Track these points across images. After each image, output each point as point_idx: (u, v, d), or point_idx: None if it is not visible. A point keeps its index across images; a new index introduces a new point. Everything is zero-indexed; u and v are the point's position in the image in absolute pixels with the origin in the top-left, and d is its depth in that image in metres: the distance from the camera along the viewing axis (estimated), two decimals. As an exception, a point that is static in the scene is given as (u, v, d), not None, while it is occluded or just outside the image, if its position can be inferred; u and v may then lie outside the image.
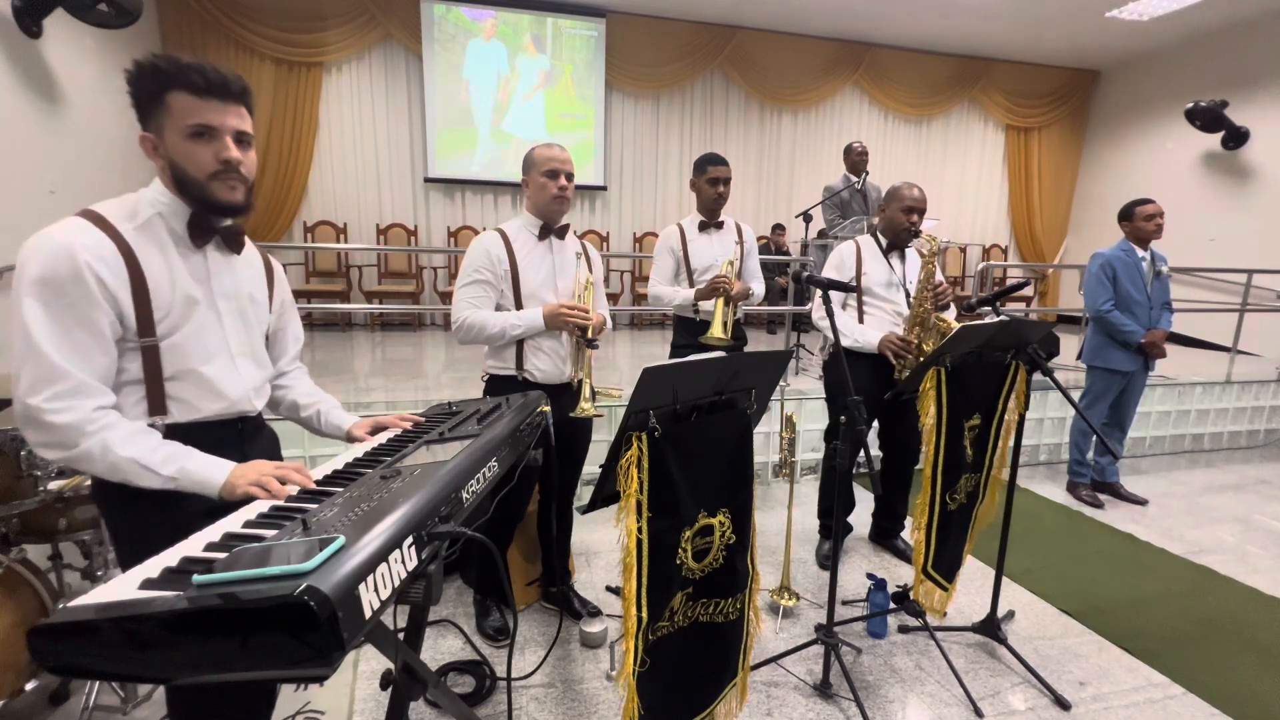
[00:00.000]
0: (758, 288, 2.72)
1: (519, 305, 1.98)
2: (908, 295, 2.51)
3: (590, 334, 1.96)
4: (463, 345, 2.06)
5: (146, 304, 1.08)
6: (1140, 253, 3.32)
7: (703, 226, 2.67)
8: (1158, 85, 7.38)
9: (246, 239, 1.28)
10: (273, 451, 1.37)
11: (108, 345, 1.05)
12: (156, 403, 1.12)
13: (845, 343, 2.48)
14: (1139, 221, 3.29)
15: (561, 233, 2.06)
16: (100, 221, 1.07)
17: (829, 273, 2.59)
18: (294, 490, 1.03)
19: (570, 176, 1.98)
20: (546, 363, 2.01)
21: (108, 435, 1.03)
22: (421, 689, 1.15)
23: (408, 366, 4.78)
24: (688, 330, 2.72)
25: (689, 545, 1.39)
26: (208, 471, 1.07)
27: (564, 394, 2.02)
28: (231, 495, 1.05)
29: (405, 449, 1.20)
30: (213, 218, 1.17)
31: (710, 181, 2.59)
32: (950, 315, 2.43)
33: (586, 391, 1.95)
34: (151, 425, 1.12)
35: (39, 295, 1.00)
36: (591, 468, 3.34)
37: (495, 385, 2.06)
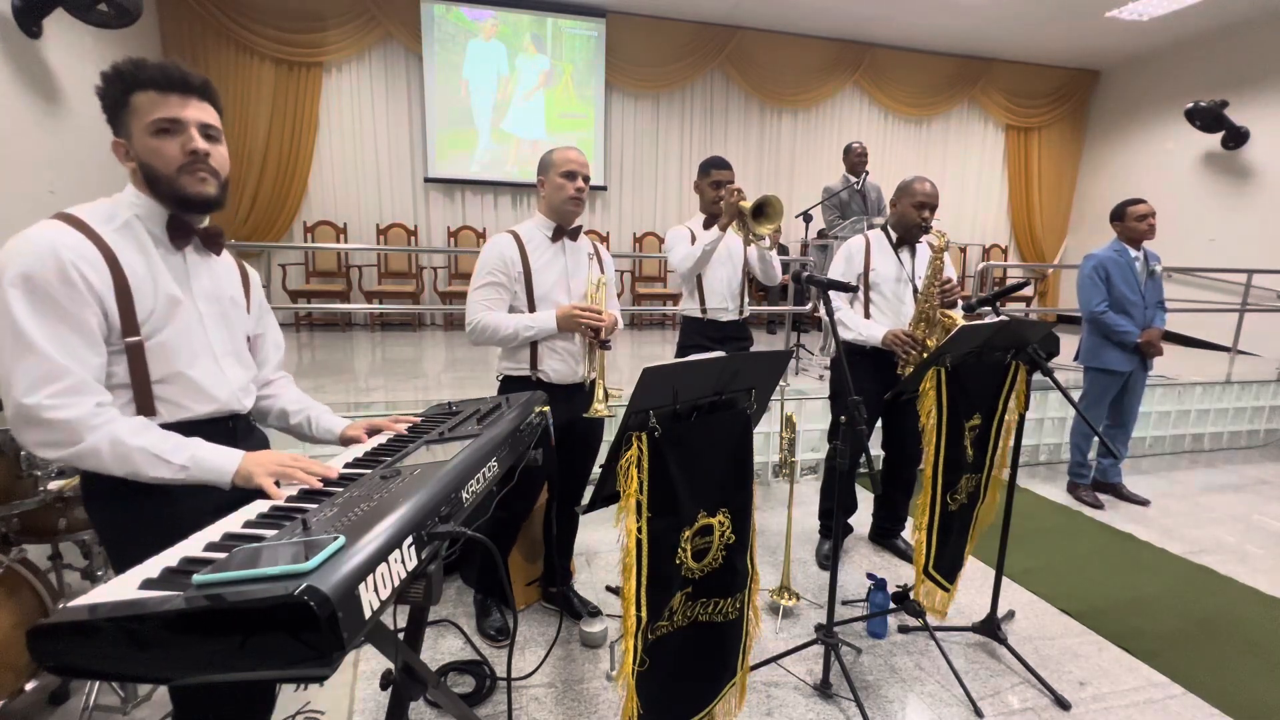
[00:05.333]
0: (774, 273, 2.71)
1: (531, 307, 1.99)
2: (916, 291, 2.50)
3: (602, 335, 1.97)
4: (475, 346, 2.07)
5: (130, 305, 1.08)
6: (1133, 253, 3.32)
7: (708, 225, 2.69)
8: (1158, 85, 7.37)
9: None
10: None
11: (98, 344, 1.04)
12: (145, 404, 1.11)
13: (849, 336, 2.48)
14: (1130, 222, 3.29)
15: (574, 234, 2.07)
16: (79, 224, 1.06)
17: (838, 266, 2.59)
18: (317, 483, 1.03)
19: (587, 179, 2.00)
20: (560, 363, 2.03)
21: (114, 428, 1.02)
22: (421, 689, 1.15)
23: (408, 366, 4.78)
24: (696, 330, 2.74)
25: (688, 545, 1.39)
26: (219, 459, 1.07)
27: (577, 394, 2.05)
28: (247, 483, 1.05)
29: (405, 449, 1.20)
30: (190, 216, 1.17)
31: (713, 184, 2.62)
32: (957, 312, 2.40)
33: (599, 393, 1.95)
34: None
35: (25, 294, 0.98)
36: (591, 467, 3.34)
37: (510, 386, 2.07)
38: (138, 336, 1.09)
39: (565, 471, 2.18)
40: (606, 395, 1.95)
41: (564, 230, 2.03)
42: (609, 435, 3.24)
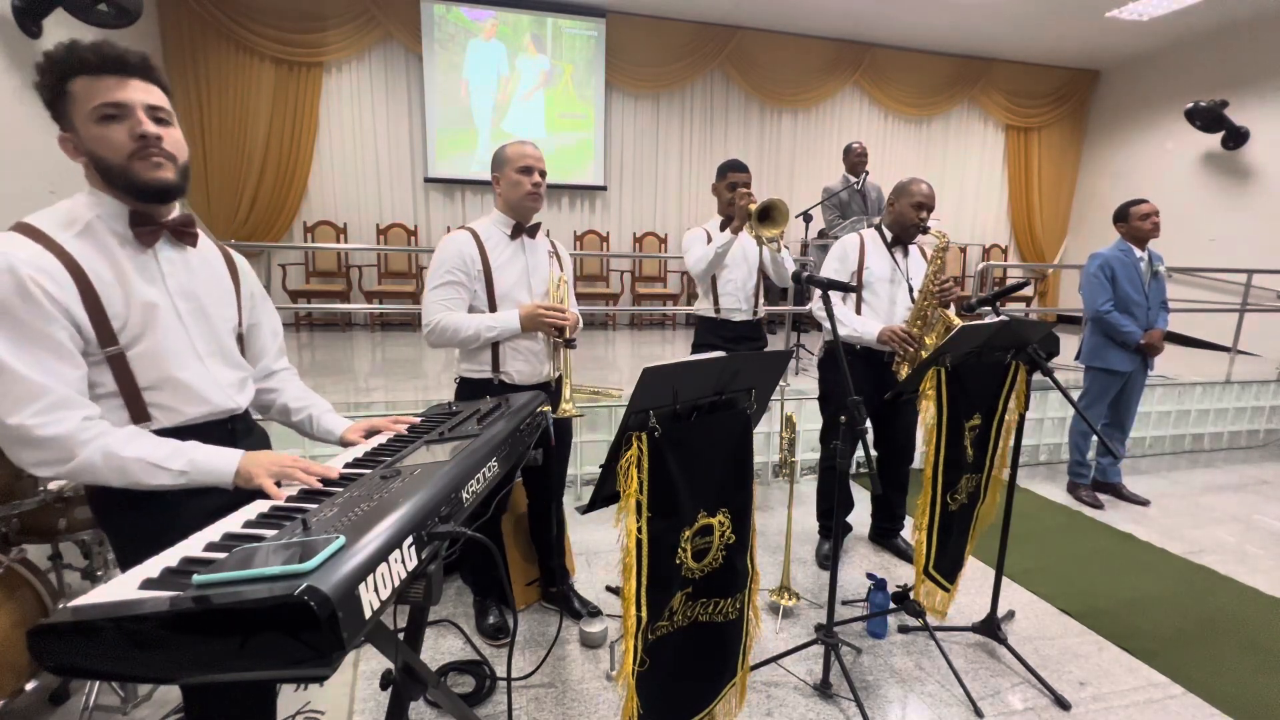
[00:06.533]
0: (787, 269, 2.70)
1: (492, 306, 1.95)
2: (910, 290, 2.50)
3: (567, 334, 1.95)
4: (434, 349, 2.03)
5: (101, 314, 1.03)
6: (1138, 253, 3.32)
7: (724, 227, 2.72)
8: (1158, 85, 7.37)
9: (200, 233, 1.22)
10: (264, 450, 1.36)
11: (73, 358, 1.00)
12: (138, 411, 1.09)
13: (843, 333, 2.48)
14: (1135, 222, 3.29)
15: (533, 231, 2.03)
16: (35, 234, 1.01)
17: (831, 264, 2.59)
18: (316, 483, 1.03)
19: (543, 174, 1.95)
20: (524, 364, 2.00)
21: (107, 440, 1.00)
22: (421, 689, 1.15)
23: (408, 366, 4.78)
24: (710, 329, 2.76)
25: (688, 545, 1.39)
26: (217, 461, 1.06)
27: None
28: (248, 483, 1.04)
29: (405, 449, 1.20)
30: (153, 209, 1.10)
31: (730, 186, 2.64)
32: (952, 311, 2.42)
33: (566, 392, 1.94)
34: None
35: None
36: (591, 468, 3.34)
37: (469, 389, 2.02)
38: (117, 346, 1.05)
39: (541, 473, 2.16)
40: (572, 394, 1.94)
41: (523, 228, 2.00)
42: (600, 435, 3.25)
